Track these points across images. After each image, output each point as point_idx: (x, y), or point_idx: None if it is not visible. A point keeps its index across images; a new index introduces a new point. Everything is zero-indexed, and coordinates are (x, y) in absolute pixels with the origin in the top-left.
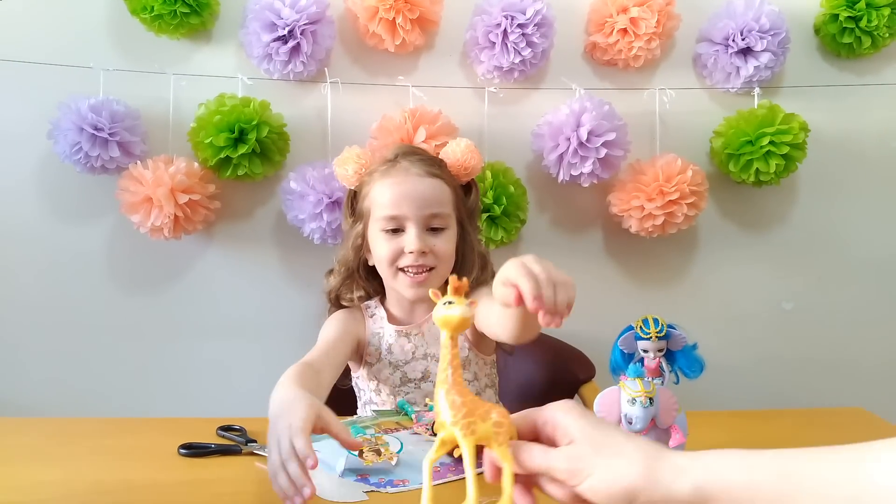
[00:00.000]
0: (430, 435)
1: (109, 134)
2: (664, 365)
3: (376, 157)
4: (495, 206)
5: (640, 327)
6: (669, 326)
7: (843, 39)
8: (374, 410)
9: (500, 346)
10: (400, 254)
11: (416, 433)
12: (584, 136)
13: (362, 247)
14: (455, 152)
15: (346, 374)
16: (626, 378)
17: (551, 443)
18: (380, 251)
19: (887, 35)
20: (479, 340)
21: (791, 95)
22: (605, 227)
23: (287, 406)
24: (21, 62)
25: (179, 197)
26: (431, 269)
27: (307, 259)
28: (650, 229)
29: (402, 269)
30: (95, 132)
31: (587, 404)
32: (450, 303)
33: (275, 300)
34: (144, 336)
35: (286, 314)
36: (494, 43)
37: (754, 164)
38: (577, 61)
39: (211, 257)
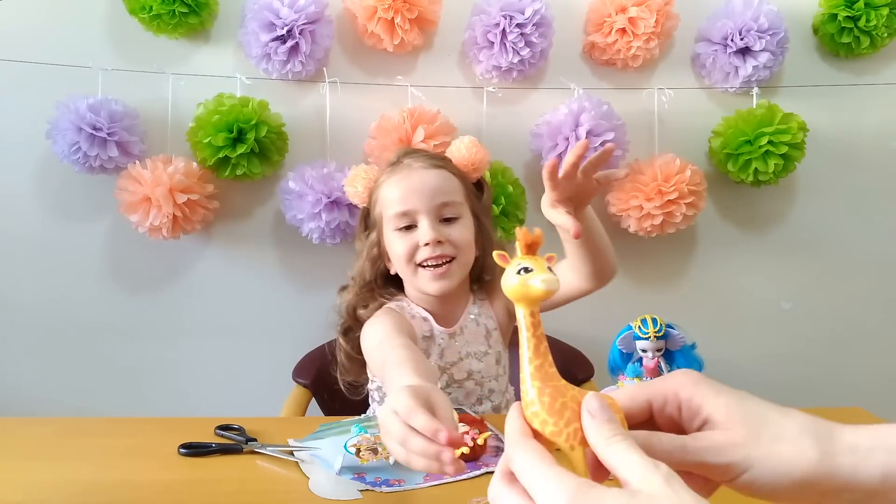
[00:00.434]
0: None
1: (108, 134)
2: (663, 364)
3: (381, 165)
4: (494, 206)
5: (639, 327)
6: (668, 326)
7: (842, 39)
8: None
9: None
10: (415, 248)
11: None
12: (582, 136)
13: (379, 256)
14: (459, 149)
15: (353, 385)
16: (624, 378)
17: (675, 427)
18: (396, 250)
19: (886, 35)
20: (509, 327)
21: (790, 95)
22: (603, 226)
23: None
24: (20, 62)
25: (178, 197)
26: (451, 259)
27: (306, 259)
28: (649, 229)
29: (420, 265)
30: (94, 132)
31: None
32: (526, 269)
33: (273, 299)
34: (143, 335)
35: (285, 313)
36: (493, 43)
37: (753, 164)
38: (575, 61)
39: (209, 257)
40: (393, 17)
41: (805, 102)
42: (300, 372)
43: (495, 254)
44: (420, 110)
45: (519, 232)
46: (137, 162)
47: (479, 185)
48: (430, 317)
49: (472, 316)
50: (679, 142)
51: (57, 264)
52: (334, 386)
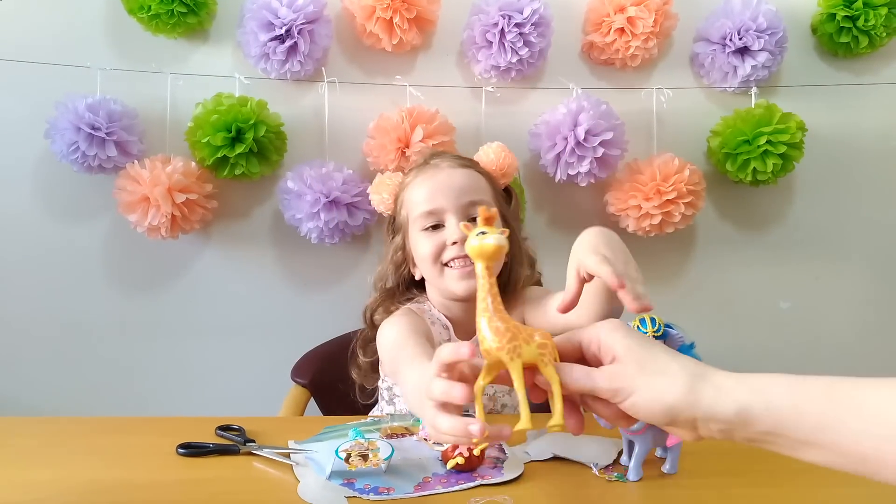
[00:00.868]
0: (433, 444)
1: (106, 133)
2: None
3: (381, 165)
4: None
5: (638, 327)
6: (667, 326)
7: (841, 39)
8: (388, 415)
9: None
10: (442, 248)
11: (419, 440)
12: (581, 136)
13: (404, 261)
14: (487, 154)
15: (362, 390)
16: None
17: (596, 363)
18: (422, 250)
19: (884, 34)
20: None
21: (788, 95)
22: (602, 226)
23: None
24: (18, 61)
25: (177, 196)
26: None
27: (304, 258)
28: (647, 229)
29: (447, 265)
30: (92, 131)
31: None
32: (482, 233)
33: (272, 299)
34: (142, 335)
35: (283, 313)
36: (492, 42)
37: (751, 164)
38: (574, 61)
39: (208, 257)
40: (391, 17)
41: (804, 102)
42: (298, 371)
43: (461, 224)
44: (419, 110)
45: (480, 209)
46: (136, 161)
47: (506, 192)
48: (450, 325)
49: None
50: (678, 141)
51: (55, 264)
52: (333, 386)
